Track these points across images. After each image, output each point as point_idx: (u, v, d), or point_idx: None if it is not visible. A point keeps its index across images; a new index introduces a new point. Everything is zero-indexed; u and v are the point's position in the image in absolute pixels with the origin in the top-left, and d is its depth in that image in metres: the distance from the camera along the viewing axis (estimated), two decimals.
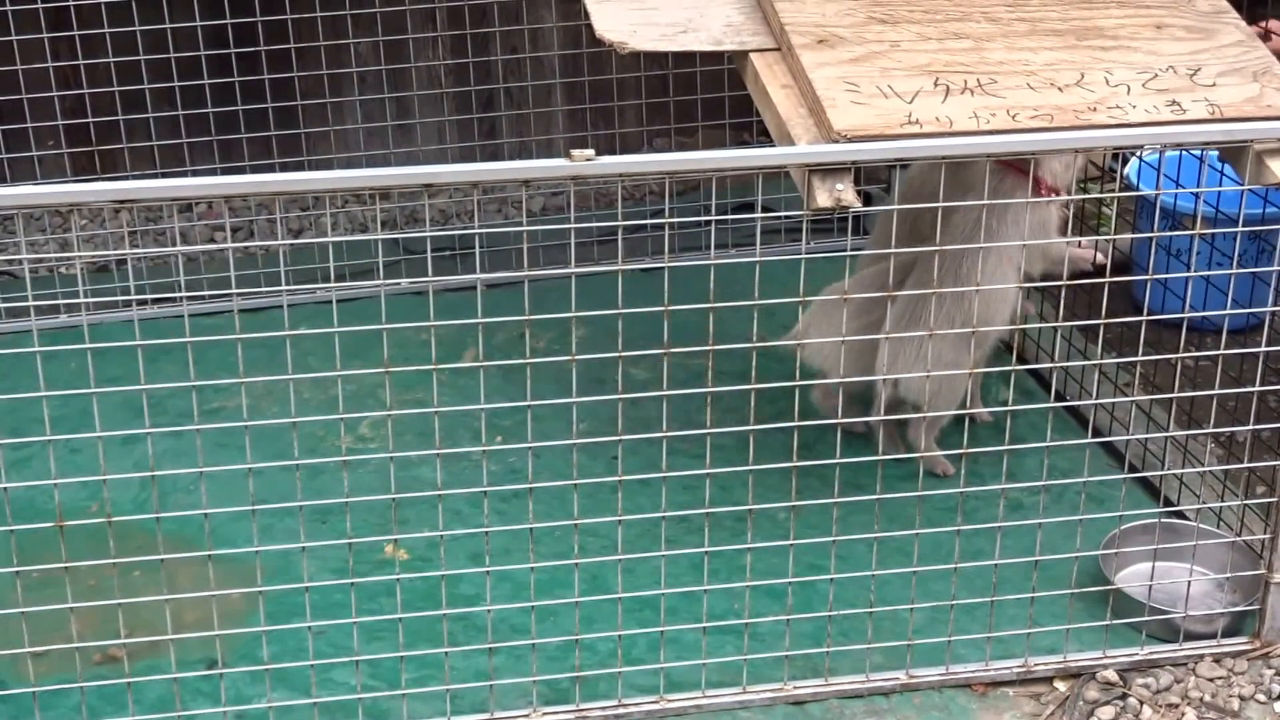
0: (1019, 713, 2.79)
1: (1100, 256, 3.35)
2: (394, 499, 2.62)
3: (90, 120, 4.13)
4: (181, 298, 3.80)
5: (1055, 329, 3.52)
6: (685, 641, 2.84)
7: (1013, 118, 2.57)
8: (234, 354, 2.40)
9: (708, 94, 4.37)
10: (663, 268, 2.47)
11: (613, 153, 2.60)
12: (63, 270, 4.29)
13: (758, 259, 2.49)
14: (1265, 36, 3.25)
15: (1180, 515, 3.21)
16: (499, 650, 2.77)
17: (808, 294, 2.54)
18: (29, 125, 4.11)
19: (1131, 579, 3.00)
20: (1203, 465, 3.22)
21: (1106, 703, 2.79)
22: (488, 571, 2.63)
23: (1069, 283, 3.16)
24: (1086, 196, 4.00)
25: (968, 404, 3.37)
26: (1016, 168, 3.08)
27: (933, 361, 3.04)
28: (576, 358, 2.45)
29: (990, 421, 3.56)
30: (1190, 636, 2.90)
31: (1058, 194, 3.16)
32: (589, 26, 2.84)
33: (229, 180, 2.38)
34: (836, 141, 2.50)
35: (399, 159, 4.55)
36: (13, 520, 2.50)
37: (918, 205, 3.12)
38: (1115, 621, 2.87)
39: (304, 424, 2.60)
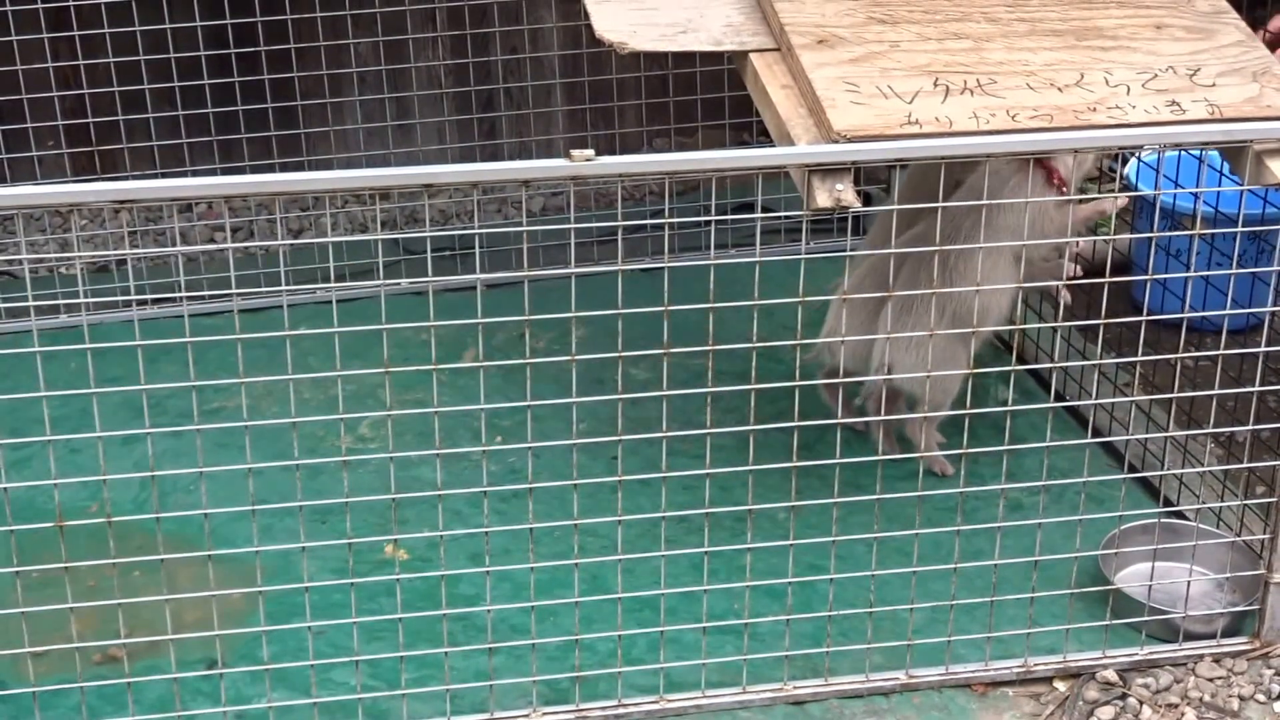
0: (1019, 713, 2.79)
1: (1079, 269, 3.35)
2: (394, 499, 2.62)
3: (90, 120, 4.13)
4: (181, 298, 3.80)
5: (1055, 329, 3.52)
6: (685, 641, 2.84)
7: (1012, 118, 2.57)
8: (234, 354, 2.39)
9: (708, 94, 4.37)
10: (663, 268, 2.47)
11: (613, 153, 2.60)
12: (63, 270, 4.29)
13: (758, 259, 2.49)
14: (1274, 45, 3.22)
15: (1180, 515, 3.20)
16: (499, 650, 2.77)
17: (808, 294, 2.54)
18: (29, 125, 4.10)
19: (1131, 579, 3.00)
20: (1202, 465, 3.22)
21: (1106, 703, 2.79)
22: (488, 571, 2.63)
23: (1069, 282, 3.16)
24: (1086, 197, 3.99)
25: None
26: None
27: (924, 350, 3.03)
28: (576, 358, 2.45)
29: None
30: (1190, 636, 2.90)
31: (1064, 187, 3.15)
32: (589, 26, 2.83)
33: (229, 180, 2.37)
34: (836, 142, 2.50)
35: (399, 159, 4.55)
36: (13, 520, 2.50)
37: (916, 205, 3.12)
38: (1115, 621, 2.87)
39: (304, 424, 2.60)
